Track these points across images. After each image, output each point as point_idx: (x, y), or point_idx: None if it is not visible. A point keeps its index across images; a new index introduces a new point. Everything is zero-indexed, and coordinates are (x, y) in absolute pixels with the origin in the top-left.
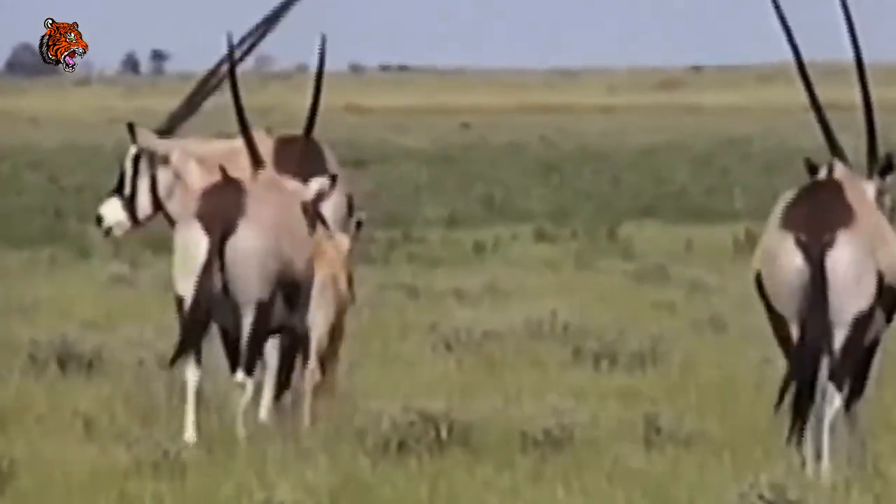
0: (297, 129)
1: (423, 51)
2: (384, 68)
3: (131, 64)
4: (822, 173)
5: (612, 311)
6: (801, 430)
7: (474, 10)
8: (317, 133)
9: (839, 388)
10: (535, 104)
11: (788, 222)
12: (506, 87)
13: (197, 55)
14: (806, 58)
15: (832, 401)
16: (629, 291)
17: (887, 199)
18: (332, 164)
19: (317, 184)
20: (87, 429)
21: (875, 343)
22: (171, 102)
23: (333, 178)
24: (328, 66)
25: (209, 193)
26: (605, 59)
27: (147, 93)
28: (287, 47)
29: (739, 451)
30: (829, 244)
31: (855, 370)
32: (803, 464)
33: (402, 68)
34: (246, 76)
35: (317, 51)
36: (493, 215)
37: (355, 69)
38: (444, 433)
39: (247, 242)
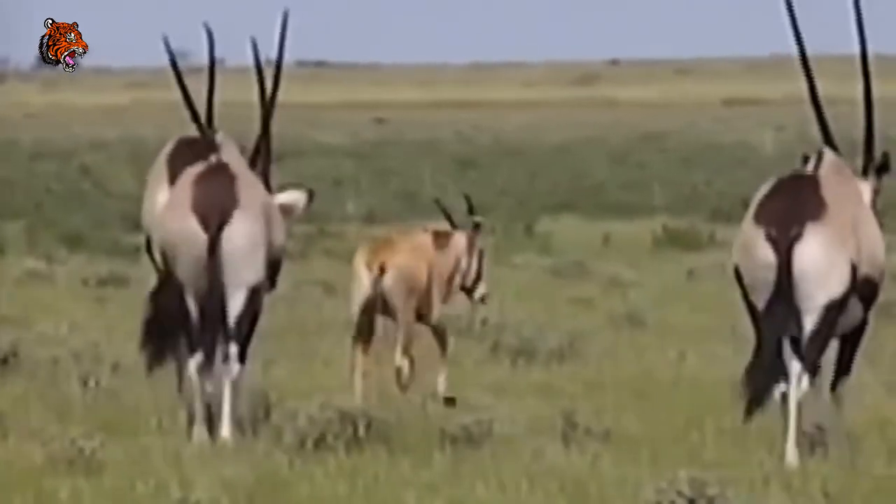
0: (220, 122)
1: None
2: (300, 64)
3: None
4: (811, 163)
5: (530, 306)
6: (755, 410)
7: (390, 5)
8: (231, 127)
9: (809, 372)
10: (451, 100)
11: (761, 217)
12: (422, 83)
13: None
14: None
15: (801, 383)
16: (547, 287)
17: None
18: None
19: (288, 196)
20: (2, 426)
21: (860, 327)
22: (88, 97)
23: (310, 195)
24: (241, 62)
25: (200, 181)
26: (521, 53)
27: (63, 87)
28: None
29: (658, 447)
30: (797, 238)
31: (842, 352)
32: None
33: (319, 64)
34: (162, 71)
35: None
36: (411, 211)
37: (300, 65)
38: (361, 430)
39: (242, 231)
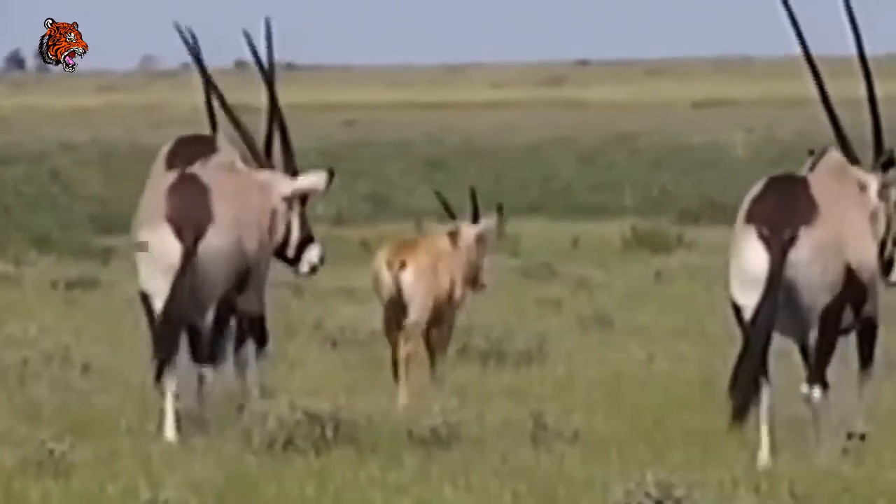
0: (181, 126)
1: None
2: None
3: (16, 61)
4: (808, 162)
5: (499, 308)
6: (743, 415)
7: (360, 6)
8: (200, 130)
9: (819, 381)
10: (420, 101)
11: (752, 217)
12: (391, 84)
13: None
14: (812, 52)
15: (812, 389)
16: (515, 288)
17: (893, 193)
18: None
19: (306, 181)
20: None
21: (869, 324)
22: (57, 100)
23: (331, 174)
24: (214, 64)
25: (174, 192)
26: (490, 54)
27: (32, 90)
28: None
29: (626, 449)
30: (791, 240)
31: (861, 345)
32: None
33: (288, 66)
34: (131, 75)
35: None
36: (380, 213)
37: (240, 66)
38: (329, 432)
39: (216, 245)
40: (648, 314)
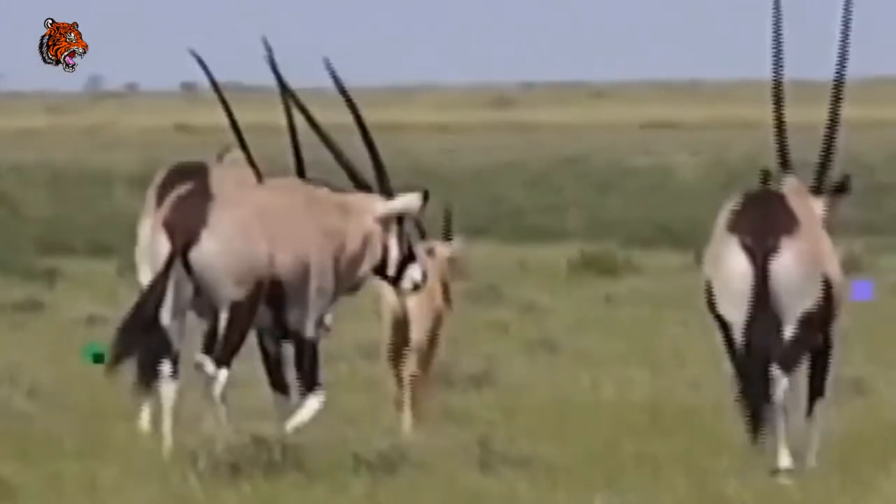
0: (128, 148)
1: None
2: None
3: None
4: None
5: (446, 331)
6: (761, 434)
7: (305, 28)
8: (146, 153)
9: (787, 372)
10: (366, 123)
11: (734, 227)
12: (338, 106)
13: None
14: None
15: (780, 383)
16: (462, 312)
17: (832, 218)
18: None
19: (400, 201)
20: None
21: (826, 349)
22: (3, 121)
23: (425, 195)
24: (160, 86)
25: (177, 200)
26: (436, 76)
27: None
28: (118, 67)
29: (575, 473)
30: (774, 249)
31: (813, 372)
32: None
33: (235, 86)
34: (77, 95)
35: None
36: None
37: (187, 87)
38: (277, 455)
39: (209, 249)
40: (596, 338)
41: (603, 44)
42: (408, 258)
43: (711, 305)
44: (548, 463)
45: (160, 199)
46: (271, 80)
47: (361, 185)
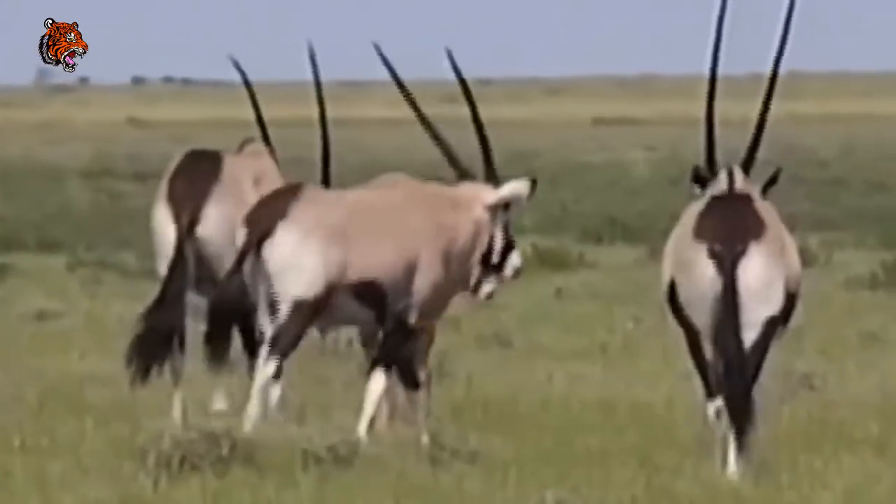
0: (79, 143)
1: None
2: (167, 80)
3: None
4: (722, 183)
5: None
6: (745, 438)
7: (258, 23)
8: (98, 147)
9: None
10: (313, 118)
11: (701, 233)
12: (292, 100)
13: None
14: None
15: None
16: None
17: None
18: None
19: (510, 189)
20: None
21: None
22: None
23: (533, 182)
24: (111, 80)
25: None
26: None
27: None
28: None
29: (525, 468)
30: (742, 254)
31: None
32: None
33: (186, 81)
34: (27, 90)
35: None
36: None
37: (138, 82)
38: (226, 451)
39: (281, 244)
40: (548, 333)
41: (558, 40)
42: (509, 245)
43: (675, 307)
44: (498, 458)
45: (173, 187)
46: (219, 76)
47: (465, 175)
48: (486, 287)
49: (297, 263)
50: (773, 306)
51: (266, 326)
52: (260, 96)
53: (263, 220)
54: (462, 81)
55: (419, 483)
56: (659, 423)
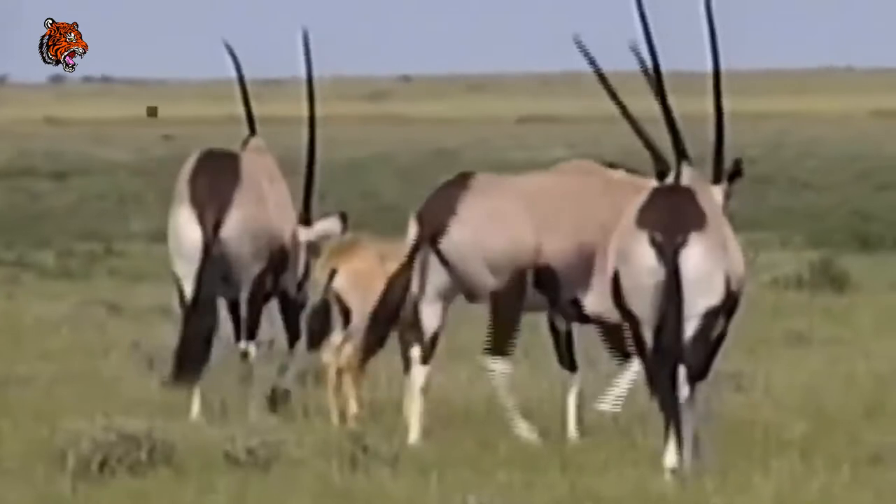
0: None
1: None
2: (86, 79)
3: None
4: (671, 177)
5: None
6: (678, 429)
7: (176, 21)
8: (17, 145)
9: (696, 377)
10: (238, 115)
11: (643, 223)
12: (211, 99)
13: None
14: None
15: (683, 388)
16: None
17: (731, 203)
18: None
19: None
20: None
21: (720, 336)
22: None
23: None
24: (29, 78)
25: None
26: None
27: None
28: None
29: (448, 471)
30: (683, 244)
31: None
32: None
33: (105, 79)
34: None
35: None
36: None
37: (56, 80)
38: (144, 453)
39: (457, 239)
40: (471, 334)
41: (480, 36)
42: None
43: (618, 298)
44: (420, 460)
45: (194, 189)
46: (141, 73)
47: (665, 168)
48: None
49: (482, 257)
50: (713, 298)
51: (428, 318)
52: (179, 94)
53: (435, 215)
54: (654, 73)
55: (339, 486)
56: (582, 423)
